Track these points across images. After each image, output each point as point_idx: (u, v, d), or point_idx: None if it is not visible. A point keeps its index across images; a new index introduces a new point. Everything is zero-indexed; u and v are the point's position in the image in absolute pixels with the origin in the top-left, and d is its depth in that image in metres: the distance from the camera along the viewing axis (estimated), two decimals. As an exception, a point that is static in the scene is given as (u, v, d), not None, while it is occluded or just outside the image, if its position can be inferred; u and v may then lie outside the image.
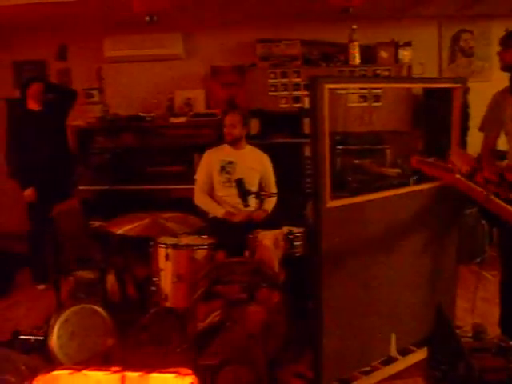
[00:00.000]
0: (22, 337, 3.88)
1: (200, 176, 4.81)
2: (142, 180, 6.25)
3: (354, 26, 6.15)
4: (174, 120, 6.56)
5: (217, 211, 4.63)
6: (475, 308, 4.07)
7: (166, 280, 3.95)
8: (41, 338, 3.80)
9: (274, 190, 4.84)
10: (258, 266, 3.67)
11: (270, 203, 4.73)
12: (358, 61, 6.24)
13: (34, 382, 1.61)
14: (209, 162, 4.78)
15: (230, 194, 4.60)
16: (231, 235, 4.22)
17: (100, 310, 3.76)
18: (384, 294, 3.53)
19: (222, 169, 4.70)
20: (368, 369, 3.53)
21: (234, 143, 4.77)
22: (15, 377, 3.55)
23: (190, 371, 1.62)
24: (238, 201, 4.34)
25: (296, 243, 4.16)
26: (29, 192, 5.45)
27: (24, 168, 5.45)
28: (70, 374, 1.63)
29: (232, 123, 4.72)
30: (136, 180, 6.24)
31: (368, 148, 6.15)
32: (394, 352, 3.64)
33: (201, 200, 4.75)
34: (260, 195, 4.56)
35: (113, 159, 6.48)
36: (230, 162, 4.71)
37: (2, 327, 4.61)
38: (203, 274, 3.69)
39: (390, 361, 3.60)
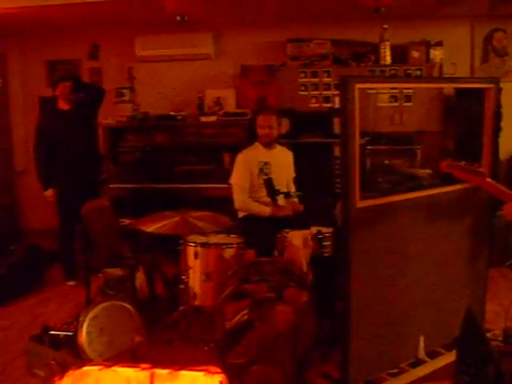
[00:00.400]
0: (51, 332, 3.92)
1: (238, 179, 4.75)
2: (172, 179, 6.28)
3: (386, 26, 6.11)
4: (203, 119, 6.58)
5: (264, 211, 4.61)
6: (506, 311, 4.03)
7: (195, 278, 3.97)
8: (70, 333, 3.84)
9: (292, 186, 4.85)
10: (287, 266, 3.67)
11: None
12: (388, 60, 6.19)
13: (66, 376, 1.63)
14: (247, 165, 4.73)
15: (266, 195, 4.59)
16: (261, 234, 4.22)
17: (129, 307, 3.79)
18: (413, 295, 3.50)
19: (261, 171, 4.68)
20: (396, 371, 3.49)
21: (269, 145, 4.76)
22: (45, 371, 3.61)
23: (219, 369, 1.63)
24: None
25: (325, 243, 4.13)
26: (49, 193, 5.53)
27: (49, 167, 5.52)
28: (100, 369, 1.65)
29: (269, 124, 4.71)
30: (166, 178, 6.28)
31: (398, 148, 6.11)
32: (422, 354, 3.60)
33: (244, 204, 4.71)
34: (289, 195, 4.55)
35: (143, 158, 6.54)
36: (266, 163, 4.70)
37: (33, 322, 4.69)
38: (232, 272, 3.70)
39: (418, 363, 3.57)
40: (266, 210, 4.59)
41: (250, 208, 4.69)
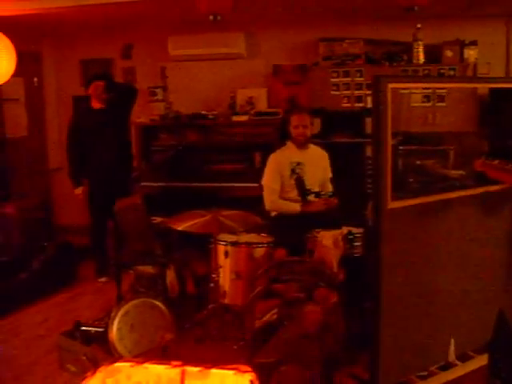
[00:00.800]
0: (83, 328, 3.97)
1: (269, 181, 4.74)
2: (203, 177, 6.32)
3: (419, 25, 6.04)
4: (235, 118, 6.60)
5: (294, 208, 4.60)
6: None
7: (225, 277, 3.99)
8: (101, 329, 3.89)
9: (329, 187, 4.82)
10: (317, 266, 3.66)
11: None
12: (422, 60, 6.13)
13: (97, 372, 1.65)
14: (278, 165, 4.73)
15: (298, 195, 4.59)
16: (291, 234, 4.22)
17: (159, 304, 3.82)
18: (445, 297, 3.47)
19: (292, 171, 4.66)
20: (425, 373, 3.47)
21: (303, 144, 4.75)
22: (76, 366, 3.65)
23: (249, 368, 1.63)
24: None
25: (355, 244, 4.12)
26: (79, 191, 5.62)
27: (81, 166, 5.58)
28: (132, 366, 1.66)
29: (304, 123, 4.70)
30: (197, 177, 6.31)
31: (431, 149, 6.04)
32: (452, 357, 3.56)
33: (274, 204, 4.71)
34: (320, 195, 4.53)
35: (175, 156, 6.58)
36: (299, 164, 4.68)
37: (65, 318, 4.75)
38: (262, 271, 3.70)
39: (448, 366, 3.53)
40: (296, 207, 4.58)
41: (279, 207, 4.69)
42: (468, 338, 3.62)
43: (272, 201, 4.70)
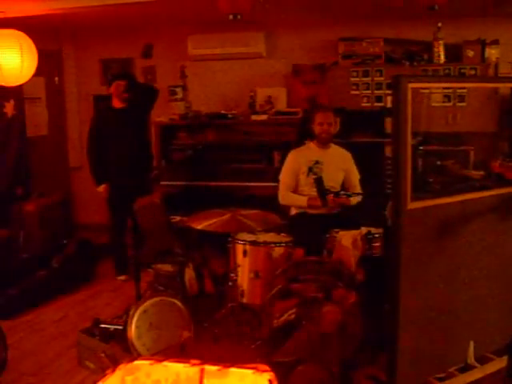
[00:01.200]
0: (102, 325, 4.00)
1: (285, 177, 4.80)
2: (223, 176, 6.33)
3: (439, 24, 6.00)
4: (255, 118, 6.59)
5: (301, 202, 4.63)
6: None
7: (243, 276, 3.99)
8: (120, 327, 3.91)
9: (358, 189, 4.81)
10: (336, 266, 3.66)
11: (354, 199, 4.69)
12: (442, 59, 6.09)
13: (117, 370, 1.66)
14: (295, 163, 4.76)
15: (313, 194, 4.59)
16: (310, 233, 4.22)
17: (178, 302, 3.83)
18: (464, 299, 3.44)
19: (310, 170, 4.67)
20: (444, 375, 3.45)
21: (327, 142, 4.75)
22: (95, 363, 3.68)
23: (268, 368, 1.63)
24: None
25: (374, 244, 4.10)
26: (101, 188, 5.63)
27: (101, 164, 5.61)
28: (151, 364, 1.67)
29: (328, 121, 4.70)
30: (216, 176, 6.33)
31: (451, 149, 6.00)
32: (471, 359, 3.54)
33: (285, 198, 4.77)
34: (339, 195, 4.52)
35: (194, 156, 6.60)
36: (317, 162, 4.68)
37: (84, 315, 4.80)
38: (280, 271, 3.70)
39: (466, 368, 3.51)
40: (304, 201, 4.62)
41: (289, 201, 4.77)
42: (487, 339, 3.60)
43: (283, 195, 4.77)
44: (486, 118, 5.98)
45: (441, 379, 3.42)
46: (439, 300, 3.34)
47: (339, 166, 4.79)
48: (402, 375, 3.23)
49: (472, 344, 3.52)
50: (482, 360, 3.58)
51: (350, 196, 4.53)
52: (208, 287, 4.74)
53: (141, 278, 4.55)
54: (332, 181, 4.60)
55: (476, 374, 3.49)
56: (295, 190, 4.76)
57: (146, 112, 5.89)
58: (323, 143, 4.75)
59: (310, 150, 4.79)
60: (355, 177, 4.86)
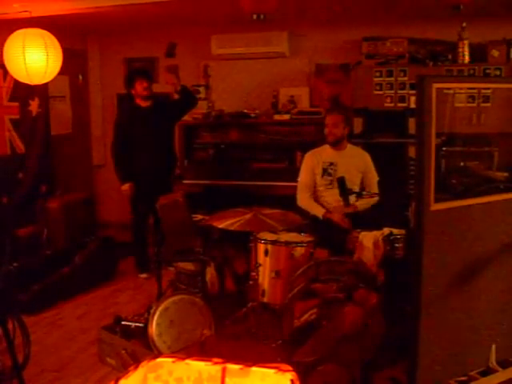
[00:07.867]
0: (123, 322, 4.03)
1: (302, 178, 4.86)
2: (245, 176, 6.35)
3: (464, 24, 5.95)
4: (277, 117, 6.59)
5: (318, 212, 4.65)
6: None
7: (264, 275, 3.99)
8: (141, 324, 3.94)
9: (375, 189, 4.78)
10: (357, 267, 3.64)
11: (364, 202, 4.68)
12: (467, 60, 6.03)
13: (140, 367, 1.67)
14: (311, 165, 4.81)
15: (332, 195, 4.60)
16: (332, 234, 4.21)
17: (199, 301, 3.85)
18: (487, 301, 3.41)
19: (324, 171, 4.71)
20: (465, 378, 3.41)
21: (336, 144, 4.75)
22: (116, 360, 3.71)
23: (290, 367, 1.63)
24: (339, 199, 4.31)
25: (397, 245, 4.08)
26: (126, 187, 5.65)
27: (125, 162, 5.64)
28: (173, 362, 1.68)
29: (334, 123, 4.71)
30: (238, 176, 6.34)
31: (475, 150, 5.94)
32: (493, 363, 3.50)
33: (303, 201, 4.82)
34: (361, 195, 4.51)
35: (217, 155, 6.63)
36: (331, 164, 4.71)
37: (106, 312, 4.83)
38: (301, 271, 3.69)
39: (488, 372, 3.47)
40: (320, 213, 4.67)
41: (306, 206, 4.81)
42: (510, 344, 3.56)
43: (302, 198, 4.83)
44: (511, 119, 5.92)
45: (462, 382, 3.39)
46: (461, 302, 3.32)
47: (355, 166, 4.78)
48: (422, 378, 3.21)
49: (494, 347, 3.48)
50: (504, 364, 3.54)
51: (372, 196, 4.52)
52: (229, 286, 4.76)
53: (162, 276, 4.58)
54: (348, 181, 4.59)
55: (497, 378, 3.45)
56: (313, 191, 4.79)
57: (180, 115, 5.93)
58: (332, 145, 4.77)
59: (325, 151, 4.83)
60: (372, 177, 4.85)
